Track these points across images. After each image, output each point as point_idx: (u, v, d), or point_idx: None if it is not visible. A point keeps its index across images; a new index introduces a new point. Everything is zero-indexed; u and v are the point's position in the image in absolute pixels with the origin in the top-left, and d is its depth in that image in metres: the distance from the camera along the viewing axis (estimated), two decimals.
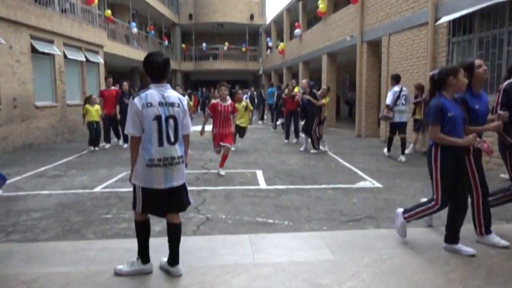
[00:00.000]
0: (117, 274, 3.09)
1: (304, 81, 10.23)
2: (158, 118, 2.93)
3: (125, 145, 10.22)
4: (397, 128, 8.29)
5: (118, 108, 10.16)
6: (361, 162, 8.06)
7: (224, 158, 7.00)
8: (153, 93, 2.96)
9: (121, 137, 10.70)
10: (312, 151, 9.41)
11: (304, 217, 4.60)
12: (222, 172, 6.93)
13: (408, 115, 8.49)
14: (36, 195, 5.61)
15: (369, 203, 5.18)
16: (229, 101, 6.99)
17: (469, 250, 3.45)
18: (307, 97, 9.46)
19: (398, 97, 8.09)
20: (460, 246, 3.50)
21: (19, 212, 4.78)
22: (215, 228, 4.23)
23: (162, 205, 3.04)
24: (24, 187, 6.09)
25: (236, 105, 8.30)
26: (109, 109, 10.23)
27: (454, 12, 7.92)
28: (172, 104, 3.00)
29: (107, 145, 10.39)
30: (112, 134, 10.67)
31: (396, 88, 8.19)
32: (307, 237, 3.92)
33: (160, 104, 2.94)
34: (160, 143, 2.94)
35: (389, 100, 8.18)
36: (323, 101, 9.70)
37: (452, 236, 3.53)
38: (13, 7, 9.90)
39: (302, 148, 9.72)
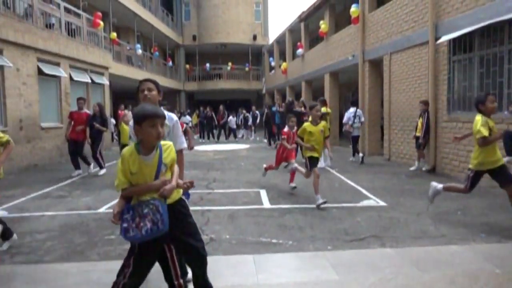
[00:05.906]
0: None
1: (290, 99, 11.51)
2: None
3: (102, 171, 9.28)
4: (357, 139, 10.94)
5: (88, 132, 9.08)
6: (365, 180, 8.04)
7: None
8: None
9: (92, 162, 9.41)
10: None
11: (308, 236, 4.58)
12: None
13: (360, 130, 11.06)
14: (41, 216, 5.62)
15: (374, 221, 5.15)
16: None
17: None
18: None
19: (355, 117, 10.64)
20: None
21: (23, 234, 4.79)
22: (218, 249, 4.22)
23: None
24: (29, 208, 6.12)
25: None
26: (75, 134, 9.02)
27: (454, 31, 8.02)
28: None
29: (76, 172, 9.15)
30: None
31: (351, 110, 10.77)
32: (311, 257, 3.90)
33: None
34: None
35: (345, 119, 10.97)
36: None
37: None
38: (21, 31, 10.14)
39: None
